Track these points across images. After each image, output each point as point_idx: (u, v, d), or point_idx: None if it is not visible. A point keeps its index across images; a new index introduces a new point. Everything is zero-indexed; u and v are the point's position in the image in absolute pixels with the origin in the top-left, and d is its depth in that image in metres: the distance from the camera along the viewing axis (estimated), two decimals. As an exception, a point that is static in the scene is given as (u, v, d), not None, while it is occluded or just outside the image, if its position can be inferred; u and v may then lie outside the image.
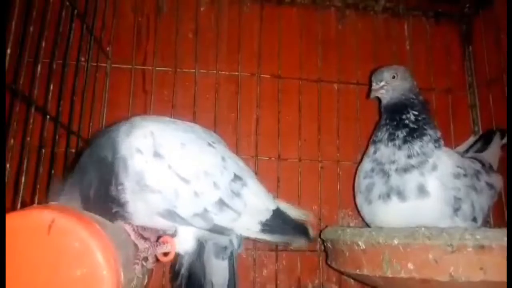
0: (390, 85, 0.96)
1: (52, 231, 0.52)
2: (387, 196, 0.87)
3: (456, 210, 0.86)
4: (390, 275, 0.72)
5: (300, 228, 0.82)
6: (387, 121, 0.94)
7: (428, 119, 0.93)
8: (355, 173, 1.00)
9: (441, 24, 1.29)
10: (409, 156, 0.87)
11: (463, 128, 1.21)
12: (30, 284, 0.51)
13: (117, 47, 1.14)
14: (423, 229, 0.71)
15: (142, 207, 0.68)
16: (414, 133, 0.90)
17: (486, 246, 0.66)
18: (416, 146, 0.88)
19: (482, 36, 1.22)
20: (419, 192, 0.85)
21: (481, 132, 1.19)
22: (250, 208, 0.75)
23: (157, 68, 1.13)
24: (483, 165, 0.98)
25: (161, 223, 0.71)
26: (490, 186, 0.95)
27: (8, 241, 0.51)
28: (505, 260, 0.64)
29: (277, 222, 0.79)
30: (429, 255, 0.69)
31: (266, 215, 0.78)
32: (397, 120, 0.92)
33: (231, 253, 0.80)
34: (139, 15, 1.16)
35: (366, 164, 0.94)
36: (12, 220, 0.53)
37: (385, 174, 0.89)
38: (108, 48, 1.12)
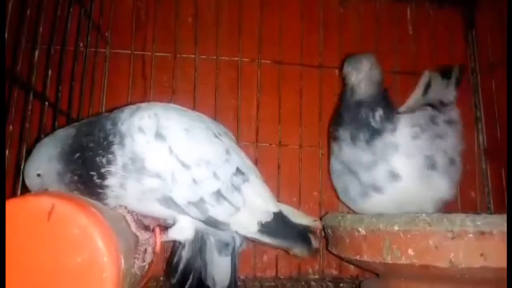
0: (368, 77, 0.87)
1: (52, 217, 0.52)
2: (365, 194, 0.88)
3: (432, 166, 0.87)
4: (390, 261, 0.72)
5: (302, 236, 0.80)
6: (351, 120, 0.88)
7: (390, 112, 0.89)
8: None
9: (444, 8, 1.27)
10: (373, 154, 0.86)
11: (464, 113, 1.19)
12: (31, 271, 0.51)
13: (116, 33, 1.12)
14: (423, 215, 0.70)
15: (135, 188, 0.67)
16: (376, 134, 0.86)
17: (487, 232, 0.66)
18: (380, 143, 0.86)
19: (485, 21, 1.21)
20: (392, 178, 0.85)
21: (483, 118, 1.19)
22: (249, 205, 0.73)
23: (156, 54, 1.12)
24: (432, 106, 0.96)
25: (158, 210, 0.71)
26: (449, 122, 0.94)
27: (8, 227, 0.51)
28: (505, 246, 0.64)
29: (278, 225, 0.76)
30: (430, 241, 0.69)
31: (266, 217, 0.75)
32: (362, 119, 0.87)
33: (233, 250, 0.79)
34: (137, 0, 1.15)
35: (335, 165, 0.93)
36: (12, 206, 0.53)
37: (355, 174, 0.88)
38: (107, 34, 1.11)
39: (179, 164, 0.68)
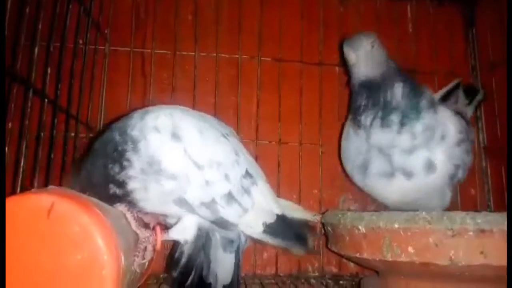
0: (370, 57, 0.82)
1: (51, 215, 0.52)
2: (390, 175, 0.85)
3: (453, 176, 0.86)
4: (390, 259, 0.72)
5: (300, 237, 0.81)
6: (370, 100, 0.83)
7: (415, 86, 0.85)
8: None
9: (444, 6, 1.26)
10: (413, 137, 0.83)
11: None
12: (30, 269, 0.51)
13: (116, 30, 1.12)
14: (423, 213, 0.70)
15: (156, 190, 0.67)
16: (410, 113, 0.82)
17: (487, 230, 0.66)
18: (419, 126, 0.82)
19: (485, 19, 1.21)
20: (427, 168, 0.83)
21: (483, 116, 1.19)
22: (257, 207, 0.75)
23: (156, 51, 1.12)
24: (462, 116, 0.94)
25: (172, 210, 0.71)
26: (472, 142, 0.94)
27: (8, 225, 0.51)
28: (505, 244, 0.64)
29: (280, 227, 0.78)
30: (430, 239, 0.69)
31: (270, 218, 0.77)
32: (383, 99, 0.82)
33: (238, 247, 0.80)
34: (137, -3, 1.15)
35: (356, 142, 0.89)
36: (12, 204, 0.53)
37: (385, 154, 0.85)
38: (106, 31, 1.11)
39: (193, 164, 0.68)
